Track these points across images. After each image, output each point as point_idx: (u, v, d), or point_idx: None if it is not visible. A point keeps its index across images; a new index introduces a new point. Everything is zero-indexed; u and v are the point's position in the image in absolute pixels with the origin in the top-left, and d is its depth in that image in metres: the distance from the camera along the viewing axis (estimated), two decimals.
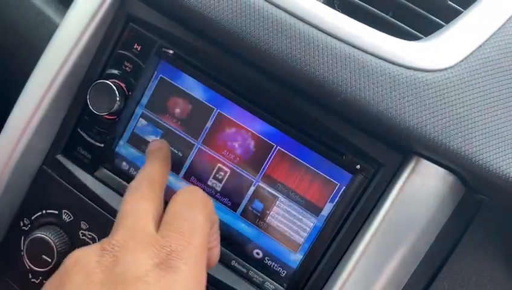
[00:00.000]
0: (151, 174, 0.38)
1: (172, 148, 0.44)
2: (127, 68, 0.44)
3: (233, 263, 0.44)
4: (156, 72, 0.44)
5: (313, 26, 0.36)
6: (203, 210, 0.35)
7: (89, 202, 0.45)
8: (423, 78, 0.35)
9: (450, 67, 0.36)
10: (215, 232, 0.38)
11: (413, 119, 0.35)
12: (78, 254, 0.31)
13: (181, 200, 0.35)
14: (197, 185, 0.44)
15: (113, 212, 0.44)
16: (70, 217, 0.45)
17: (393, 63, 0.35)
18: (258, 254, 0.44)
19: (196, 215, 0.34)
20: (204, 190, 0.44)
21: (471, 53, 0.36)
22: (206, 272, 0.32)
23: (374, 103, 0.35)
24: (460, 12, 0.40)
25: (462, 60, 0.36)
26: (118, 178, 0.46)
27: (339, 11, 0.38)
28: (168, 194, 0.45)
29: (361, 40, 0.36)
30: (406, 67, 0.35)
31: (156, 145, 0.43)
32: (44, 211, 0.46)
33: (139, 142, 0.46)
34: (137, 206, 0.34)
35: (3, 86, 0.61)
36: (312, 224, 0.42)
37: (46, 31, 0.59)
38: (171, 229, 0.32)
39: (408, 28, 0.39)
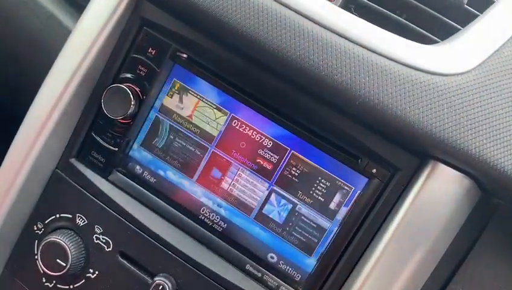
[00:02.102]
0: None
1: (186, 152, 0.44)
2: (141, 72, 0.44)
3: (248, 267, 0.44)
4: (170, 76, 0.44)
5: (331, 31, 0.36)
6: None
7: (103, 205, 0.45)
8: (441, 83, 0.35)
9: (468, 72, 0.36)
10: None
11: (431, 124, 0.35)
12: None
13: None
14: (210, 189, 0.44)
15: (128, 216, 0.44)
16: (84, 221, 0.45)
17: (411, 67, 0.35)
18: (272, 257, 0.44)
19: None
20: (216, 193, 0.44)
21: (489, 57, 0.36)
22: None
23: (392, 107, 0.35)
24: (476, 16, 0.39)
25: (480, 64, 0.36)
26: (131, 182, 0.46)
27: (355, 14, 0.38)
28: (183, 197, 0.45)
29: (380, 44, 0.36)
30: (424, 72, 0.35)
31: None
32: (58, 215, 0.46)
33: (153, 146, 0.46)
34: None
35: (14, 90, 0.62)
36: (326, 228, 0.42)
37: (56, 35, 0.59)
38: None
39: (423, 31, 0.39)
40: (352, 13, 0.38)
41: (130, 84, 0.44)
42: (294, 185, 0.42)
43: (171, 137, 0.45)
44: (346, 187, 0.41)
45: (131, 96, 0.43)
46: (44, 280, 0.46)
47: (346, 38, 0.36)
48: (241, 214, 0.44)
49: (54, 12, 0.60)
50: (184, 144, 0.44)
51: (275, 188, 0.43)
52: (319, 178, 0.42)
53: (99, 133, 0.46)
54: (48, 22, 0.60)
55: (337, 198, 0.42)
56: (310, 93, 0.39)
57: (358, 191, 0.41)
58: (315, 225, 0.42)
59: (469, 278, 0.45)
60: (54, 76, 0.45)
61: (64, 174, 0.47)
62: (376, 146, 0.39)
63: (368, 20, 0.38)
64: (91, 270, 0.45)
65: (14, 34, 0.61)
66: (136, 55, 0.45)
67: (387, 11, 0.41)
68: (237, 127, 0.43)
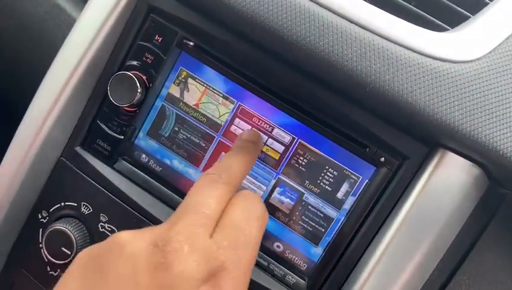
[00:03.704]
0: (234, 168, 0.35)
1: (192, 141, 0.44)
2: (148, 60, 0.44)
3: None
4: (176, 64, 0.44)
5: (342, 17, 0.35)
6: (260, 226, 0.32)
7: (109, 194, 0.45)
8: (452, 70, 0.35)
9: (478, 59, 0.35)
10: None
11: (441, 111, 0.34)
12: (127, 237, 0.29)
13: (241, 207, 0.33)
14: None
15: (133, 205, 0.44)
16: (90, 210, 0.45)
17: (422, 54, 0.35)
18: (278, 247, 0.44)
19: (252, 230, 0.31)
20: None
21: (500, 44, 0.36)
22: None
23: (402, 94, 0.34)
24: (487, 4, 0.39)
25: (490, 52, 0.35)
26: (137, 170, 0.46)
27: (365, 1, 0.37)
28: (189, 186, 0.45)
29: (390, 30, 0.35)
30: (435, 58, 0.35)
31: (252, 136, 0.40)
32: (62, 203, 0.46)
33: (159, 135, 0.45)
34: (205, 201, 0.31)
35: (19, 79, 0.61)
36: (333, 217, 0.42)
37: (61, 23, 0.59)
38: (227, 240, 0.30)
39: (434, 18, 0.39)
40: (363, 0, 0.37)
41: (136, 72, 0.44)
42: (301, 174, 0.42)
43: (177, 126, 0.45)
44: (353, 176, 0.41)
45: (138, 83, 0.43)
46: (48, 269, 0.46)
47: (356, 24, 0.35)
48: None
49: (59, 0, 0.59)
50: (190, 132, 0.44)
51: (281, 177, 0.43)
52: (326, 167, 0.42)
53: (105, 121, 0.46)
54: (52, 11, 0.59)
55: (344, 187, 0.42)
56: (318, 81, 0.39)
57: (366, 180, 0.41)
58: (322, 215, 0.42)
59: (475, 269, 0.45)
60: (59, 64, 0.45)
61: (69, 162, 0.46)
62: (384, 134, 0.39)
63: (377, 7, 0.37)
64: None
65: (17, 23, 0.61)
66: (142, 43, 0.44)
67: None
68: (244, 116, 0.43)
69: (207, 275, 0.28)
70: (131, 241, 0.28)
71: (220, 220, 0.31)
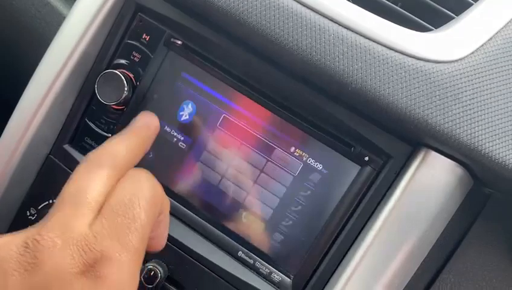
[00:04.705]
0: (118, 152, 0.32)
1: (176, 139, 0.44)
2: (135, 58, 0.44)
3: (240, 253, 0.44)
4: (163, 63, 0.44)
5: (324, 16, 0.36)
6: (149, 207, 0.30)
7: None
8: (434, 69, 0.35)
9: (461, 59, 0.36)
10: (163, 219, 0.34)
11: (423, 110, 0.35)
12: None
13: (127, 190, 0.30)
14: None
15: None
16: None
17: (405, 54, 0.35)
18: (263, 246, 0.44)
19: (139, 213, 0.29)
20: (203, 184, 0.44)
21: (483, 45, 0.36)
22: (138, 280, 0.29)
23: (384, 94, 0.35)
24: (471, 5, 0.39)
25: (473, 52, 0.36)
26: None
27: (349, 1, 0.38)
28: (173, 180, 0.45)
29: (372, 30, 0.35)
30: (417, 58, 0.35)
31: (144, 119, 0.38)
32: (51, 201, 0.46)
33: None
34: (84, 188, 0.29)
35: (10, 75, 0.61)
36: (318, 215, 0.42)
37: (53, 22, 0.59)
38: (107, 228, 0.28)
39: (418, 19, 0.39)
40: (347, 0, 0.38)
41: (123, 70, 0.44)
42: (285, 173, 0.42)
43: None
44: (338, 175, 0.41)
45: (125, 82, 0.43)
46: None
47: (339, 24, 0.36)
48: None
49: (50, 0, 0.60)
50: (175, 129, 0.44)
51: (265, 176, 0.43)
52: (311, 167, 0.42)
53: (93, 119, 0.46)
54: (44, 10, 0.60)
55: (328, 186, 0.42)
56: (302, 80, 0.39)
57: (351, 179, 0.41)
58: (307, 214, 0.42)
59: (460, 267, 0.45)
60: (48, 62, 0.45)
61: (58, 160, 0.46)
62: (369, 134, 0.39)
63: (362, 7, 0.38)
64: None
65: (9, 21, 0.61)
66: (130, 41, 0.44)
67: None
68: (231, 116, 0.43)
69: (84, 267, 0.26)
70: (2, 246, 0.26)
71: (102, 206, 0.29)
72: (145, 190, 0.30)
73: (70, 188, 0.30)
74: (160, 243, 0.35)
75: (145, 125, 0.37)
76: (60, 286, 0.25)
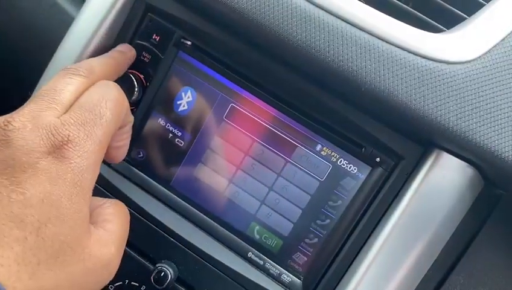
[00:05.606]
0: (93, 66, 0.36)
1: (183, 138, 0.44)
2: (145, 59, 0.44)
3: (249, 254, 0.44)
4: (174, 63, 0.44)
5: (337, 17, 0.36)
6: (114, 107, 0.33)
7: (105, 192, 0.45)
8: (447, 70, 0.35)
9: (474, 60, 0.36)
10: (126, 132, 0.38)
11: (436, 112, 0.35)
12: None
13: (95, 92, 0.34)
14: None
15: (130, 202, 0.44)
16: None
17: (418, 55, 0.35)
18: (273, 245, 0.44)
19: (104, 111, 0.32)
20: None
21: (496, 45, 0.36)
22: (98, 171, 0.32)
23: (397, 94, 0.34)
24: (483, 5, 0.39)
25: (486, 52, 0.36)
26: (134, 168, 0.46)
27: (362, 1, 0.38)
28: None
29: (386, 30, 0.35)
30: (431, 59, 0.35)
31: (121, 47, 0.43)
32: None
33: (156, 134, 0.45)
34: (58, 89, 0.32)
35: (17, 78, 0.61)
36: (329, 217, 0.42)
37: (60, 23, 0.59)
38: (74, 118, 0.31)
39: (430, 20, 0.39)
40: (359, 0, 0.38)
41: (133, 71, 0.44)
42: (297, 174, 0.42)
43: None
44: (349, 176, 0.41)
45: (135, 82, 0.43)
46: None
47: (352, 24, 0.36)
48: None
49: (58, 0, 0.60)
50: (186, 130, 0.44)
51: (284, 181, 0.43)
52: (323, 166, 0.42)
53: None
54: (52, 10, 0.60)
55: (340, 187, 0.42)
56: (314, 81, 0.39)
57: (361, 180, 0.41)
58: (318, 214, 0.42)
59: (471, 269, 0.45)
60: (57, 63, 0.45)
61: None
62: (380, 134, 0.39)
63: (374, 8, 0.37)
64: None
65: (16, 22, 0.61)
66: (140, 42, 0.44)
67: None
68: (240, 115, 0.43)
69: (51, 147, 0.29)
70: None
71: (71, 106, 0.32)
72: (111, 93, 0.34)
73: (46, 87, 0.33)
74: (121, 154, 0.39)
75: (121, 52, 0.42)
76: (28, 160, 0.28)
